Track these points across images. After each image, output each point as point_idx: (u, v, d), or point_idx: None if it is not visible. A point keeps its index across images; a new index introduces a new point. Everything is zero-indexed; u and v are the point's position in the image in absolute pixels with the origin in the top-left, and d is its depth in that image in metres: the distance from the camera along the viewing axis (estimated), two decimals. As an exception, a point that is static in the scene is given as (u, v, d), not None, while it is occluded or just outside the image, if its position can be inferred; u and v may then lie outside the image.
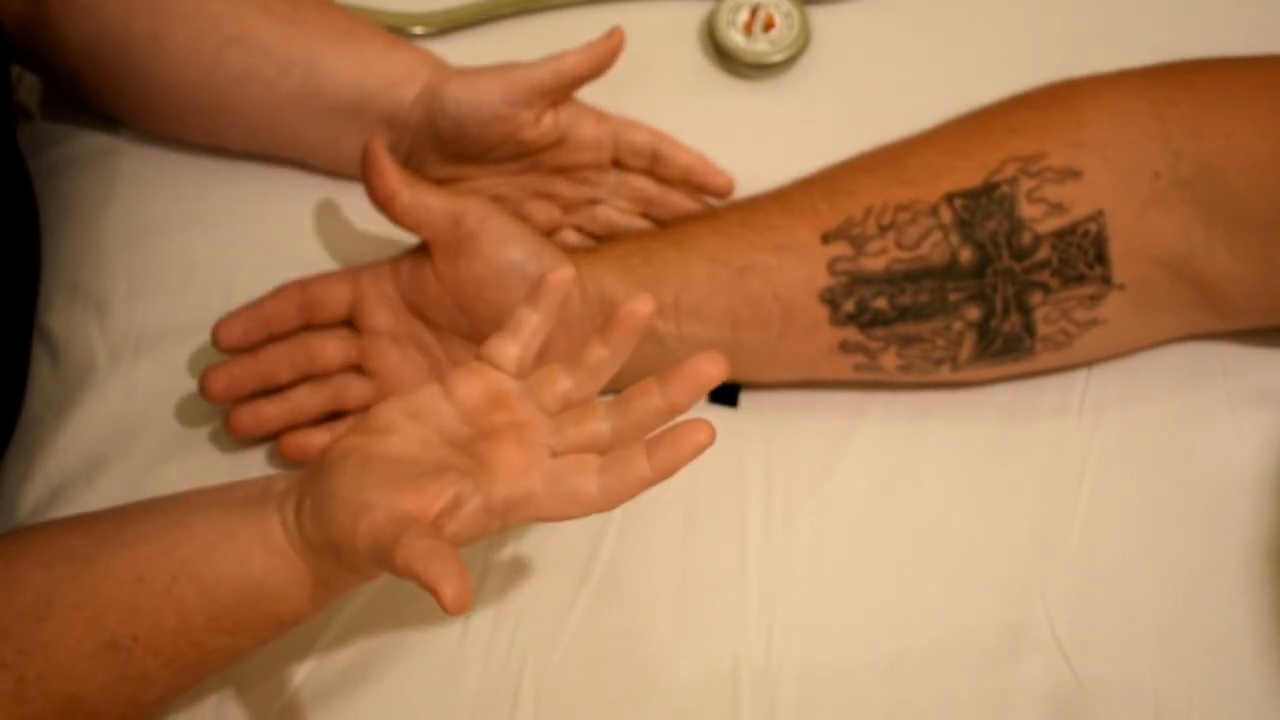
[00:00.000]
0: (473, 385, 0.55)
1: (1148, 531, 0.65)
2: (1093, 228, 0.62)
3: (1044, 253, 0.62)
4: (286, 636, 0.61)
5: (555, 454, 0.53)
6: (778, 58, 0.78)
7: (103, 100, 0.74)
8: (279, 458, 0.67)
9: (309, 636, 0.63)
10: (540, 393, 0.55)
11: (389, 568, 0.48)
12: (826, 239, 0.64)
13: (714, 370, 0.54)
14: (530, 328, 0.56)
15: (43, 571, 0.54)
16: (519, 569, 0.64)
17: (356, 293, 0.67)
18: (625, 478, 0.51)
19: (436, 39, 0.80)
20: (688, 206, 0.73)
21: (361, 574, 0.54)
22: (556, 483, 0.52)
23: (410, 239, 0.67)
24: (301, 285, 0.67)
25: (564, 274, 0.56)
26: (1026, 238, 0.62)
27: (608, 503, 0.52)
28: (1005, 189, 0.62)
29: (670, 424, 0.53)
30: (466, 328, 0.66)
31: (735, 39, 0.79)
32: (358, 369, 0.68)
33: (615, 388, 0.67)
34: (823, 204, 0.64)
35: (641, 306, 0.55)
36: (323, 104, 0.70)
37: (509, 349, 0.56)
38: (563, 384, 0.56)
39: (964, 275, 0.63)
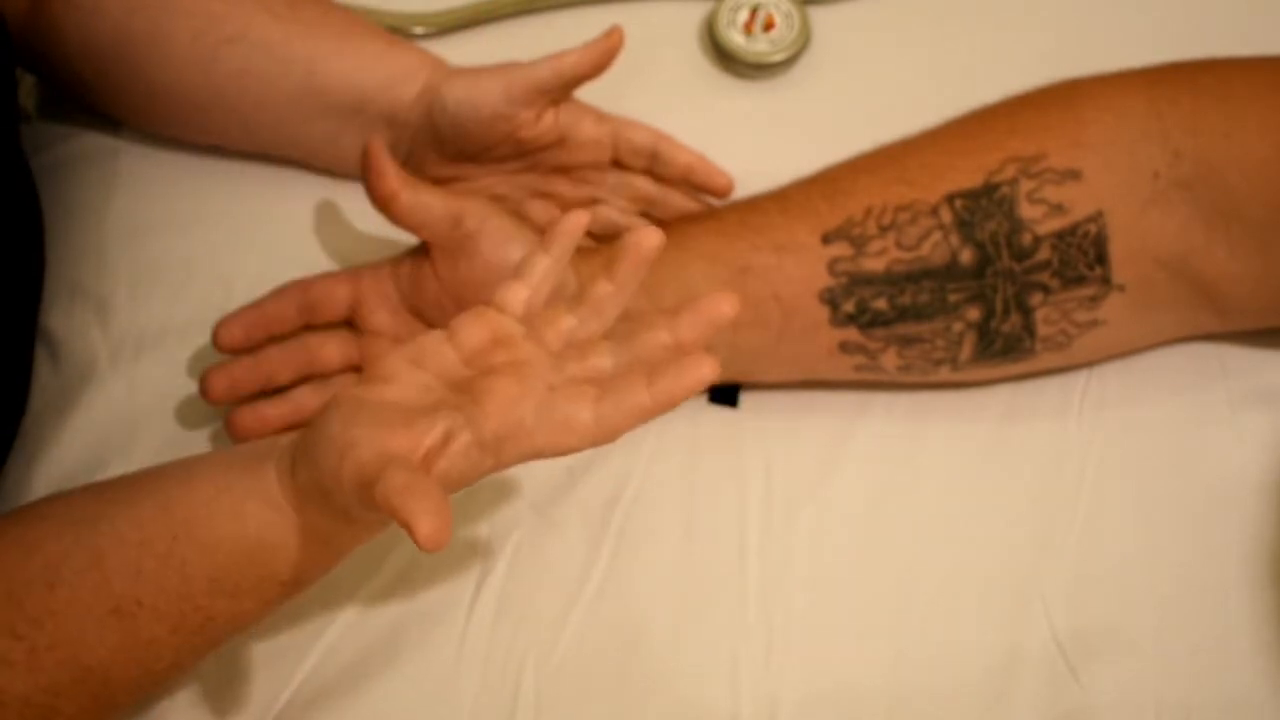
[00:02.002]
0: (476, 329, 0.53)
1: (1147, 531, 0.65)
2: (1093, 228, 0.62)
3: (1044, 253, 0.62)
4: (286, 635, 0.62)
5: (553, 389, 0.51)
6: (778, 58, 0.78)
7: (103, 100, 0.74)
8: (279, 458, 0.67)
9: (309, 636, 0.63)
10: (544, 332, 0.53)
11: (370, 504, 0.47)
12: (826, 239, 0.64)
13: (726, 308, 0.52)
14: (540, 271, 0.55)
15: (55, 537, 0.54)
16: (519, 569, 0.64)
17: (356, 293, 0.67)
18: (622, 406, 0.49)
19: (436, 39, 0.80)
20: (688, 206, 0.73)
21: (352, 524, 0.53)
22: (550, 411, 0.49)
23: (410, 239, 0.67)
24: (301, 285, 0.67)
25: (578, 218, 0.55)
26: (1026, 238, 0.62)
27: (604, 433, 0.49)
28: (1005, 190, 0.62)
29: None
30: (466, 328, 0.66)
31: (735, 39, 0.79)
32: (358, 369, 0.68)
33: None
34: (823, 204, 0.64)
35: (648, 238, 0.54)
36: (322, 103, 0.70)
37: (518, 292, 0.54)
38: (566, 322, 0.54)
39: (964, 276, 0.63)
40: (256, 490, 0.53)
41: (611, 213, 0.73)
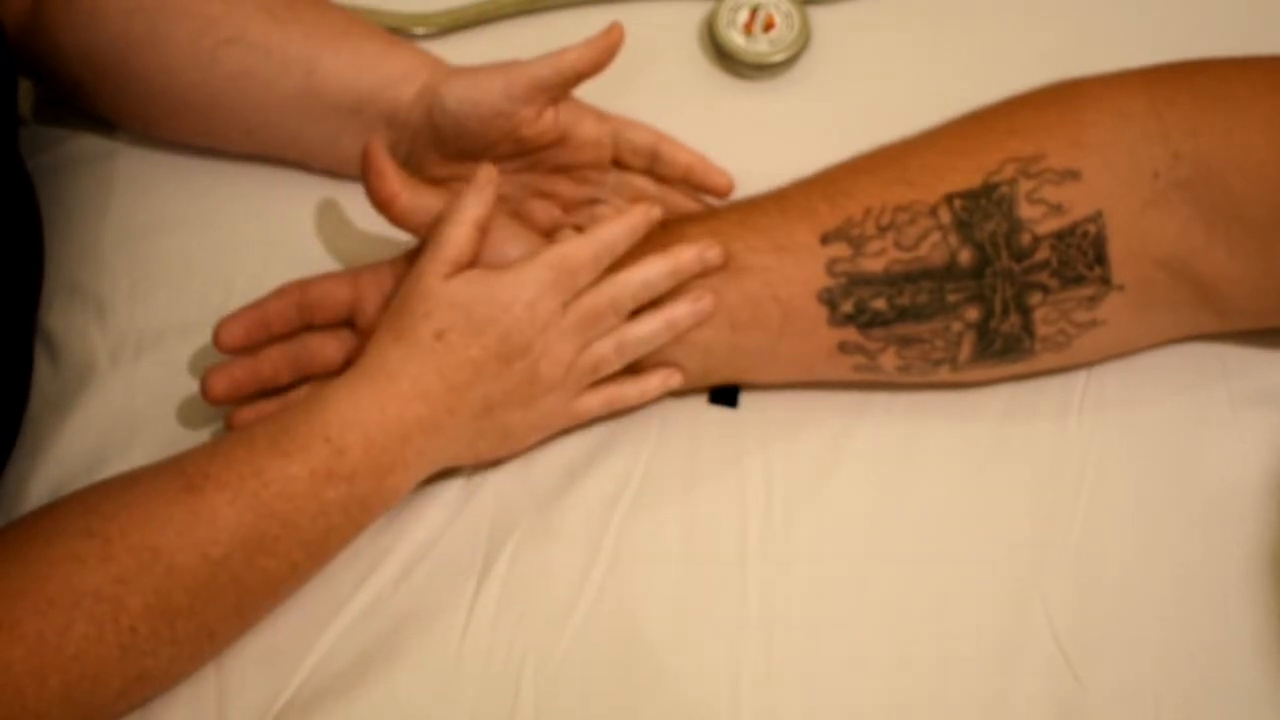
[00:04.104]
0: None
1: (1148, 532, 0.65)
2: (1092, 229, 0.62)
3: (1043, 254, 0.62)
4: (286, 635, 0.62)
5: None
6: (778, 58, 0.78)
7: (102, 104, 0.74)
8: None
9: (309, 636, 0.63)
10: None
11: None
12: (825, 240, 0.64)
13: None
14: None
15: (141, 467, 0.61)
16: (519, 569, 0.64)
17: (356, 293, 0.67)
18: None
19: (436, 39, 0.80)
20: (688, 206, 0.73)
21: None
22: None
23: (410, 239, 0.67)
24: (302, 285, 0.67)
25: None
26: (1026, 239, 0.62)
27: None
28: (1005, 190, 0.62)
29: None
30: (465, 328, 0.66)
31: (735, 39, 0.79)
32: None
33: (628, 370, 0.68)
34: (822, 204, 0.64)
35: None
36: (322, 104, 0.70)
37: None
38: None
39: (963, 276, 0.63)
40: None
41: (611, 212, 0.73)
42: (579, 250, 0.63)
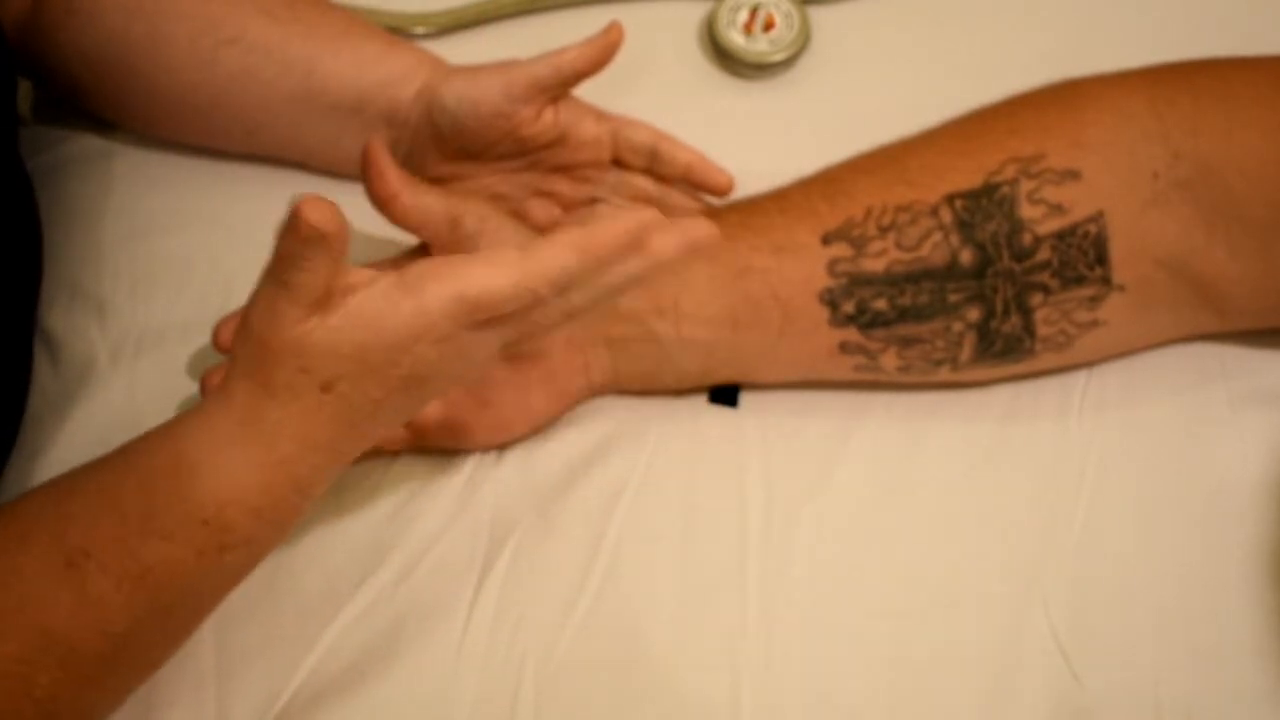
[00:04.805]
0: None
1: (1148, 532, 0.65)
2: (1093, 229, 0.62)
3: (1044, 254, 0.62)
4: (287, 635, 0.62)
5: None
6: (778, 58, 0.78)
7: (101, 105, 0.74)
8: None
9: (308, 636, 0.63)
10: None
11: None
12: (826, 240, 0.64)
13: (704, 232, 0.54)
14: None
15: (34, 501, 0.55)
16: (519, 569, 0.64)
17: (356, 293, 0.67)
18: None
19: (436, 39, 0.80)
20: (688, 205, 0.73)
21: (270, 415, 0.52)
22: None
23: (410, 239, 0.67)
24: (300, 285, 0.67)
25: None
26: (1027, 239, 0.62)
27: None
28: (1005, 190, 0.62)
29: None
30: (464, 328, 0.66)
31: (735, 39, 0.79)
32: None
33: (619, 389, 0.67)
34: (822, 205, 0.64)
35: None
36: (322, 104, 0.70)
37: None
38: None
39: (964, 276, 0.63)
40: (195, 411, 0.53)
41: (611, 211, 0.73)
42: (497, 287, 0.51)
